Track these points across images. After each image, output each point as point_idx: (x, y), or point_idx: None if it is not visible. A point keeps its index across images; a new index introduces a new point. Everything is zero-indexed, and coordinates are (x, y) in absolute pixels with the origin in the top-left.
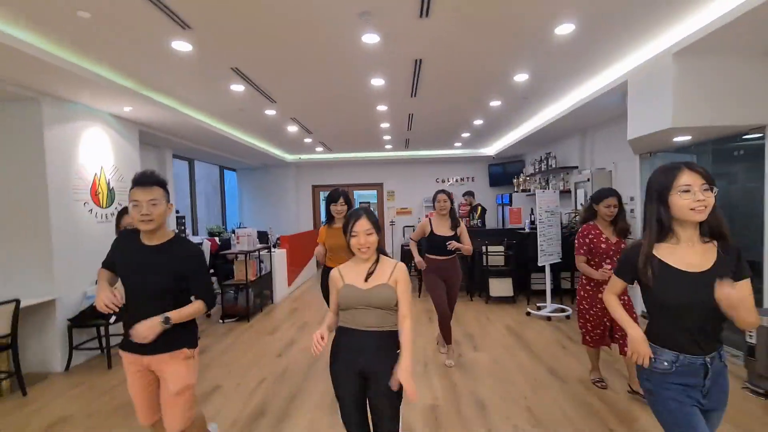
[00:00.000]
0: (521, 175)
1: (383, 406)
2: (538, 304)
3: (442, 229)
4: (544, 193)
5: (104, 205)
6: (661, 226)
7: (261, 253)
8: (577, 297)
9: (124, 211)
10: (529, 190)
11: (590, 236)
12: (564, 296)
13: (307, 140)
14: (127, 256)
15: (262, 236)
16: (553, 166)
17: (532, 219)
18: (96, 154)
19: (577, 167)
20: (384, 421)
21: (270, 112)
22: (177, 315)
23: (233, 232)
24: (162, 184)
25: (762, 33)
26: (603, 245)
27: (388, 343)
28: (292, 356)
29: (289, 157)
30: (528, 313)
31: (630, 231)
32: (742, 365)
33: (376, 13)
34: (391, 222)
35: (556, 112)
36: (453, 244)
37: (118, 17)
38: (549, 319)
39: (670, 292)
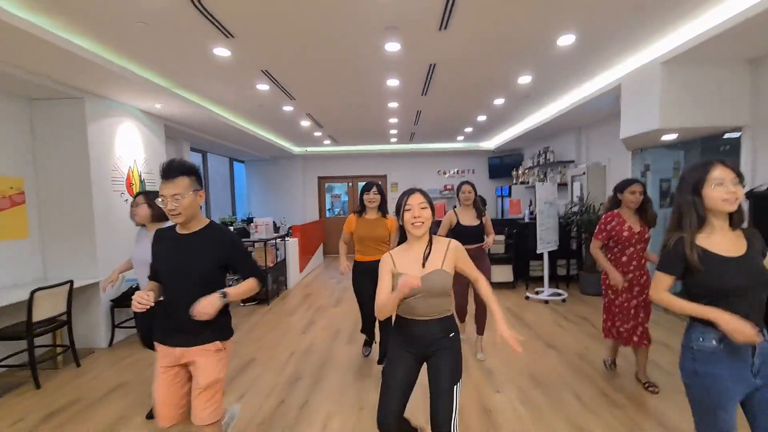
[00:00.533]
0: (520, 167)
1: (444, 381)
2: (536, 289)
3: (468, 219)
4: (543, 186)
5: None
6: (698, 216)
7: (276, 241)
8: (603, 287)
9: (134, 203)
10: (528, 183)
11: (612, 223)
12: (560, 282)
13: (317, 134)
14: (165, 249)
15: (273, 226)
16: (551, 160)
17: (531, 210)
18: (129, 147)
19: (573, 161)
20: (442, 397)
21: (287, 107)
22: (234, 291)
23: (246, 221)
24: (188, 172)
25: (741, 45)
26: (626, 233)
27: (446, 326)
28: (315, 333)
29: (296, 150)
30: (527, 297)
31: (656, 220)
32: None
33: (402, 27)
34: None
35: (555, 110)
36: (488, 244)
37: (171, 27)
38: (546, 302)
39: (723, 277)
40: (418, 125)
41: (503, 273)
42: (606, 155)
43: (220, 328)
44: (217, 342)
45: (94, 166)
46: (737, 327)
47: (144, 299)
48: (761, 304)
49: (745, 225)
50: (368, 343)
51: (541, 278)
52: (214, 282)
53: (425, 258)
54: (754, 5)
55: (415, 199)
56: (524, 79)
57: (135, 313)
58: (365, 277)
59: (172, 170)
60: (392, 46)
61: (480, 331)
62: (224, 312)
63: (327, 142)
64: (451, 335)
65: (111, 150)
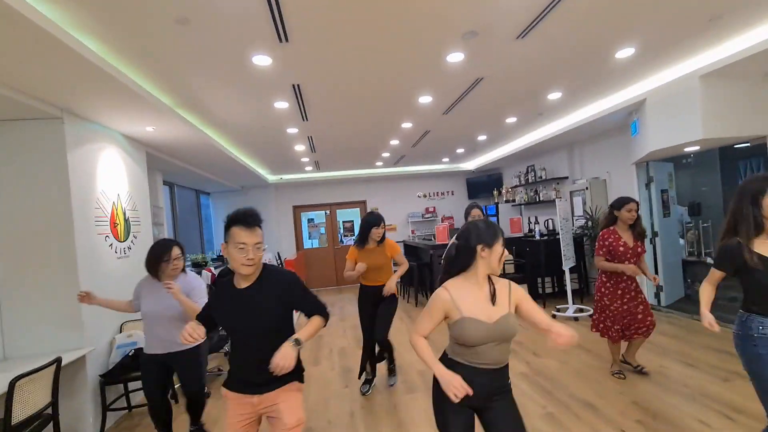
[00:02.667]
0: (502, 187)
1: (510, 425)
2: (557, 307)
3: None
4: (561, 203)
5: (122, 239)
6: (756, 223)
7: None
8: (597, 294)
9: (167, 256)
10: (514, 201)
11: (610, 239)
12: (574, 296)
13: (305, 159)
14: (227, 303)
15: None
16: (543, 177)
17: (530, 227)
18: (112, 179)
19: (567, 177)
20: None
21: (292, 129)
22: (305, 334)
23: (218, 259)
24: (261, 221)
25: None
26: (621, 248)
27: (506, 375)
28: (357, 382)
29: (271, 178)
30: (554, 316)
31: (645, 234)
32: None
33: (481, 32)
34: None
35: (560, 126)
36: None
37: (217, 24)
38: (576, 319)
39: None
40: (415, 147)
41: None
42: (604, 169)
43: (297, 369)
44: (296, 382)
45: (76, 202)
46: None
47: (197, 333)
48: None
49: None
50: (369, 381)
51: (551, 294)
52: (283, 328)
53: (492, 296)
54: None
55: (501, 242)
56: (554, 95)
57: (143, 371)
58: (368, 301)
59: (254, 218)
60: (455, 57)
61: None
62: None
63: (309, 168)
64: (509, 381)
65: (93, 183)
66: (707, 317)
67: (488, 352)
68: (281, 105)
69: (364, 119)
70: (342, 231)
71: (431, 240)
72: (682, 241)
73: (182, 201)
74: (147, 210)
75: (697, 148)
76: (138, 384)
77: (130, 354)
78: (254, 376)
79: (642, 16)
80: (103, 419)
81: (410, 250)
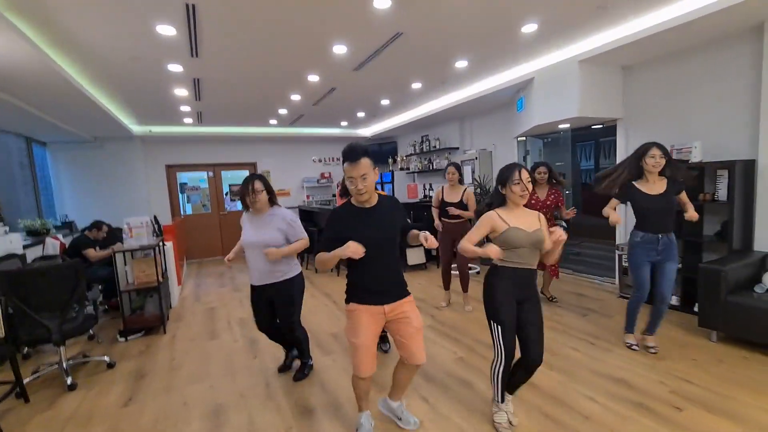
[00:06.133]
0: (397, 155)
1: (536, 324)
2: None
3: (452, 196)
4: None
5: None
6: (638, 171)
7: (161, 248)
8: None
9: (251, 190)
10: (409, 169)
11: (531, 201)
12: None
13: (185, 108)
14: (358, 221)
15: (118, 232)
16: (436, 147)
17: (426, 193)
18: None
19: (458, 148)
20: (538, 336)
21: (175, 67)
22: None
23: (64, 226)
24: (367, 152)
25: (632, 55)
26: (533, 201)
27: (535, 278)
28: (266, 351)
29: (137, 129)
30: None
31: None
32: None
33: None
34: None
35: (457, 98)
36: (452, 210)
37: None
38: (478, 272)
39: (646, 205)
40: (317, 106)
41: (417, 255)
42: (490, 141)
43: (406, 284)
44: (411, 295)
45: None
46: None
47: (360, 250)
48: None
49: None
50: (385, 338)
51: None
52: (398, 241)
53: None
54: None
55: (525, 175)
56: (461, 63)
57: (253, 302)
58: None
59: (356, 152)
60: (383, 2)
61: (465, 289)
62: (401, 272)
63: (188, 120)
64: (538, 290)
65: None
66: (612, 215)
67: (525, 255)
68: (166, 30)
69: (267, 64)
70: (228, 195)
71: (329, 205)
72: None
73: (5, 150)
74: None
75: (568, 125)
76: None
77: None
78: (387, 286)
79: None
80: None
81: (306, 215)
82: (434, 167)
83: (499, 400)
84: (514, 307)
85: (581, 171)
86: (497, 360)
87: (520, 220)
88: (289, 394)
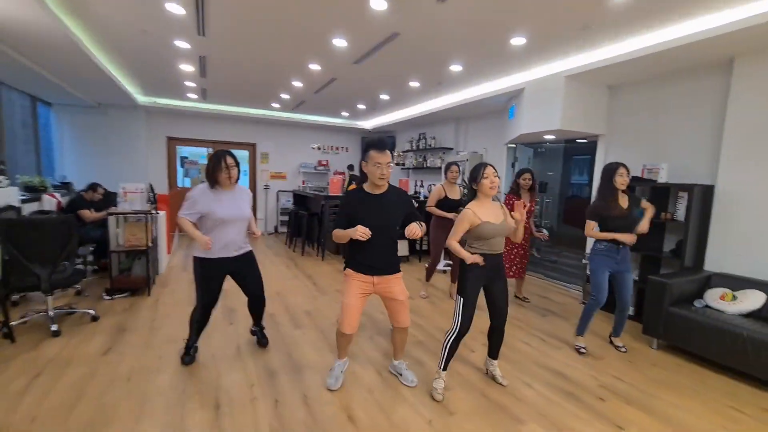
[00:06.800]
0: (395, 150)
1: (503, 295)
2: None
3: (453, 193)
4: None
5: None
6: (612, 191)
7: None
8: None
9: (227, 164)
10: (404, 164)
11: (510, 203)
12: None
13: (189, 83)
14: (367, 205)
15: (113, 196)
16: (432, 145)
17: (416, 190)
18: None
19: (452, 148)
20: (504, 305)
21: (182, 43)
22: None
23: (61, 186)
24: (392, 150)
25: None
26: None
27: (502, 261)
28: (245, 318)
29: (142, 99)
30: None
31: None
32: None
33: None
34: (265, 186)
35: (455, 99)
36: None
37: None
38: (444, 272)
39: (614, 220)
40: (318, 94)
41: (401, 248)
42: (482, 145)
43: (398, 262)
44: (400, 272)
45: None
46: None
47: (367, 234)
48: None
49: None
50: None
51: (426, 251)
52: (398, 226)
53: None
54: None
55: (491, 171)
56: (456, 67)
57: (208, 276)
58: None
59: (385, 144)
60: (379, 4)
61: (454, 280)
62: (395, 253)
63: (193, 96)
64: (504, 269)
65: None
66: (605, 237)
67: (494, 243)
68: (175, 9)
69: (272, 50)
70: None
71: (323, 192)
72: None
73: (9, 107)
74: None
75: (552, 137)
76: None
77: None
78: (378, 262)
79: (532, 8)
80: None
81: (300, 199)
82: (428, 165)
83: (443, 367)
84: (479, 288)
85: (573, 185)
86: (452, 330)
87: (489, 212)
88: (257, 358)
